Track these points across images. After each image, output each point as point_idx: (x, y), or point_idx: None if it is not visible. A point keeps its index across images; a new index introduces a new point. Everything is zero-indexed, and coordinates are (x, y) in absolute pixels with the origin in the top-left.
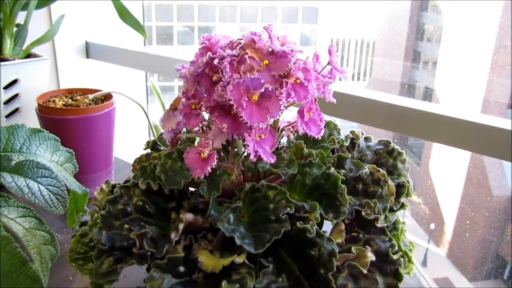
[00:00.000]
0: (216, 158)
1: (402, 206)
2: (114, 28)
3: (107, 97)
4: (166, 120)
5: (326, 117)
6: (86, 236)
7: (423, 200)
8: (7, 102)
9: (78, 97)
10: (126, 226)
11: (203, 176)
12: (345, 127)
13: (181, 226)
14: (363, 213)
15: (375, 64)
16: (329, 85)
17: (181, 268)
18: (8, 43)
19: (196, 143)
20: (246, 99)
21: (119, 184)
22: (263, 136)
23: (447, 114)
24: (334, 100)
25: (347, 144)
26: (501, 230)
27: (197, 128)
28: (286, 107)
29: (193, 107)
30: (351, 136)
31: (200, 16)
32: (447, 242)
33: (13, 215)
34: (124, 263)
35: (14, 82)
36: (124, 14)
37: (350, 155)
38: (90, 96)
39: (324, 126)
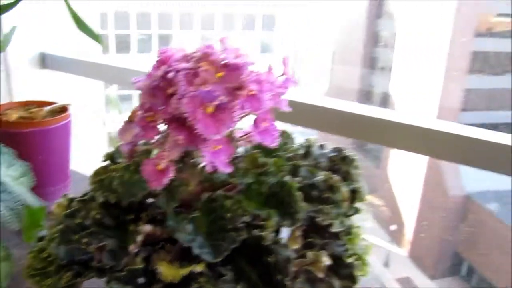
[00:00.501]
0: (174, 170)
1: (357, 211)
2: (72, 37)
3: (64, 109)
4: (123, 132)
5: (286, 126)
6: (44, 251)
7: (383, 202)
8: None
9: (34, 110)
10: (85, 239)
11: (160, 188)
12: (307, 134)
13: (139, 238)
14: (318, 219)
15: (334, 71)
16: (284, 95)
17: (141, 280)
18: None
19: (152, 155)
20: (201, 111)
21: (77, 197)
22: (218, 147)
23: (399, 120)
24: (290, 109)
25: (302, 152)
26: (457, 229)
27: (154, 140)
28: (241, 118)
29: (149, 120)
30: (306, 144)
31: (160, 23)
32: (408, 242)
33: None
34: (84, 277)
35: None
36: (80, 24)
37: (305, 163)
38: (46, 108)
39: (280, 135)
